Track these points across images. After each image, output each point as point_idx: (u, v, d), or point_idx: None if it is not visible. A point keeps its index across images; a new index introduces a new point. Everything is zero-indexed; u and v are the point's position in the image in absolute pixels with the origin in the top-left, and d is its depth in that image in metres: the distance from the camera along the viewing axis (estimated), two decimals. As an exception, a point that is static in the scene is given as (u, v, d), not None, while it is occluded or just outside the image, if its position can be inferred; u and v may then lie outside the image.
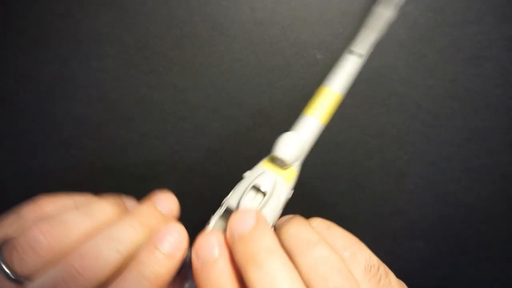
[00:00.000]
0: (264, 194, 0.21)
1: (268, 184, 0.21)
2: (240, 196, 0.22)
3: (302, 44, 0.28)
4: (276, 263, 0.17)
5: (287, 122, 0.30)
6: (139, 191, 0.33)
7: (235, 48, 0.29)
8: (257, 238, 0.18)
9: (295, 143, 0.22)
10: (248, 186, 0.22)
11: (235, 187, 0.23)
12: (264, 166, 0.23)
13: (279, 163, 0.23)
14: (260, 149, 0.30)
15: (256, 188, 0.22)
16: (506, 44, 0.27)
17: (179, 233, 0.20)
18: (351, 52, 0.25)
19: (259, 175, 0.22)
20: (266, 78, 0.29)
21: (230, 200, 0.22)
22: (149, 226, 0.20)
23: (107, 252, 0.18)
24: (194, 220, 0.33)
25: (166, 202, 0.23)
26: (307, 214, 0.32)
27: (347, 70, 0.24)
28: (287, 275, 0.17)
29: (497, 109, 0.29)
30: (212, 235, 0.20)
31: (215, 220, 0.22)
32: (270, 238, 0.19)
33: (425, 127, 0.29)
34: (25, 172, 0.32)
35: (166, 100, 0.30)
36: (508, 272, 0.32)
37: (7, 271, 0.17)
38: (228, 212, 0.22)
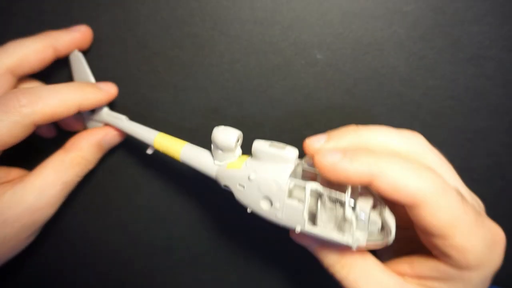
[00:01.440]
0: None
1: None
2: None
3: (302, 44, 0.28)
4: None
5: (287, 122, 0.30)
6: (140, 190, 0.33)
7: (235, 48, 0.29)
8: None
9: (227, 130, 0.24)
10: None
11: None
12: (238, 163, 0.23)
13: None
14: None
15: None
16: (506, 44, 0.27)
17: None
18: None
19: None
20: (266, 78, 0.29)
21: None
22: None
23: None
24: (190, 219, 0.33)
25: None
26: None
27: (135, 128, 0.28)
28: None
29: (497, 109, 0.29)
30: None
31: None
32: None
33: (425, 127, 0.29)
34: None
35: (166, 100, 0.30)
36: (508, 272, 0.32)
37: None
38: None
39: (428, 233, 0.20)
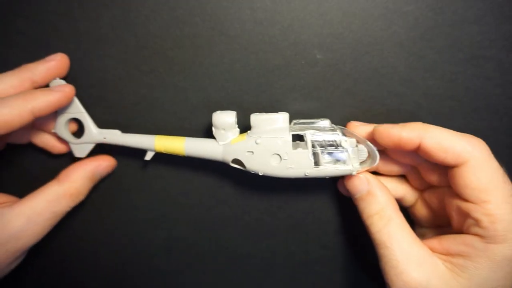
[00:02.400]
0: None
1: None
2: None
3: (302, 44, 0.28)
4: None
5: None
6: (140, 190, 0.33)
7: (235, 48, 0.29)
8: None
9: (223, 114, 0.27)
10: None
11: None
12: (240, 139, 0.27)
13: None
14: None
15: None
16: (506, 44, 0.27)
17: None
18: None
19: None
20: (266, 78, 0.29)
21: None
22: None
23: None
24: (189, 216, 0.33)
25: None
26: (318, 213, 0.32)
27: (132, 139, 0.29)
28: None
29: (497, 109, 0.29)
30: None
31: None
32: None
33: (425, 127, 0.29)
34: (22, 173, 0.32)
35: (166, 100, 0.30)
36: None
37: None
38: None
39: (464, 197, 0.22)
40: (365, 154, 0.26)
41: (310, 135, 0.25)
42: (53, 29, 0.29)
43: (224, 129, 0.27)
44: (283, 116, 0.26)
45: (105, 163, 0.30)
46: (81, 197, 0.29)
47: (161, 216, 0.33)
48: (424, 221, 0.28)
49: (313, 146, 0.25)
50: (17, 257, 0.26)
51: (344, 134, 0.26)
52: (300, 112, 0.30)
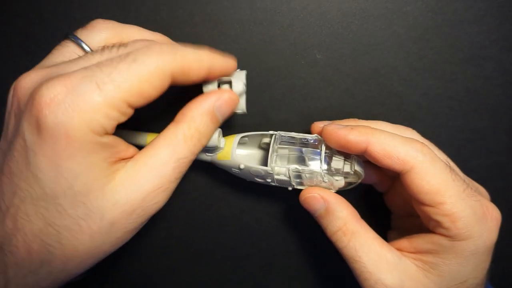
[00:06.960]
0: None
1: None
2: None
3: (302, 44, 0.28)
4: None
5: (287, 122, 0.30)
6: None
7: (235, 48, 0.29)
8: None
9: None
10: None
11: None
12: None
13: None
14: (260, 149, 0.30)
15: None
16: (506, 44, 0.27)
17: None
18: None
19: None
20: (266, 78, 0.29)
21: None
22: None
23: None
24: (194, 217, 0.33)
25: None
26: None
27: (126, 135, 0.28)
28: None
29: (497, 109, 0.29)
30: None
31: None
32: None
33: (425, 127, 0.29)
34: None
35: (166, 100, 0.30)
36: (507, 271, 0.32)
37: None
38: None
39: (420, 201, 0.22)
40: (350, 174, 0.25)
41: (291, 171, 0.25)
42: (53, 29, 0.29)
43: (208, 149, 0.26)
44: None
45: (225, 95, 0.24)
46: (203, 140, 0.24)
47: (160, 215, 0.33)
48: (398, 209, 0.29)
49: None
50: (140, 222, 0.22)
51: (331, 154, 0.25)
52: (300, 112, 0.30)
